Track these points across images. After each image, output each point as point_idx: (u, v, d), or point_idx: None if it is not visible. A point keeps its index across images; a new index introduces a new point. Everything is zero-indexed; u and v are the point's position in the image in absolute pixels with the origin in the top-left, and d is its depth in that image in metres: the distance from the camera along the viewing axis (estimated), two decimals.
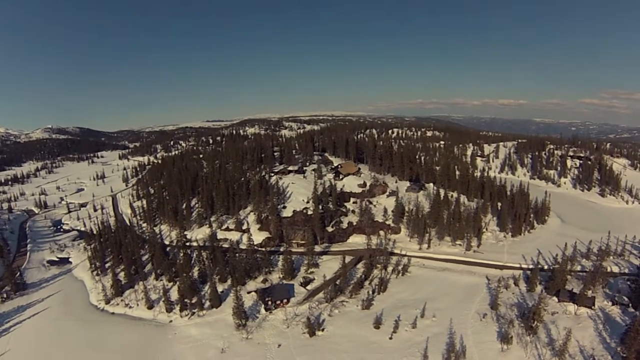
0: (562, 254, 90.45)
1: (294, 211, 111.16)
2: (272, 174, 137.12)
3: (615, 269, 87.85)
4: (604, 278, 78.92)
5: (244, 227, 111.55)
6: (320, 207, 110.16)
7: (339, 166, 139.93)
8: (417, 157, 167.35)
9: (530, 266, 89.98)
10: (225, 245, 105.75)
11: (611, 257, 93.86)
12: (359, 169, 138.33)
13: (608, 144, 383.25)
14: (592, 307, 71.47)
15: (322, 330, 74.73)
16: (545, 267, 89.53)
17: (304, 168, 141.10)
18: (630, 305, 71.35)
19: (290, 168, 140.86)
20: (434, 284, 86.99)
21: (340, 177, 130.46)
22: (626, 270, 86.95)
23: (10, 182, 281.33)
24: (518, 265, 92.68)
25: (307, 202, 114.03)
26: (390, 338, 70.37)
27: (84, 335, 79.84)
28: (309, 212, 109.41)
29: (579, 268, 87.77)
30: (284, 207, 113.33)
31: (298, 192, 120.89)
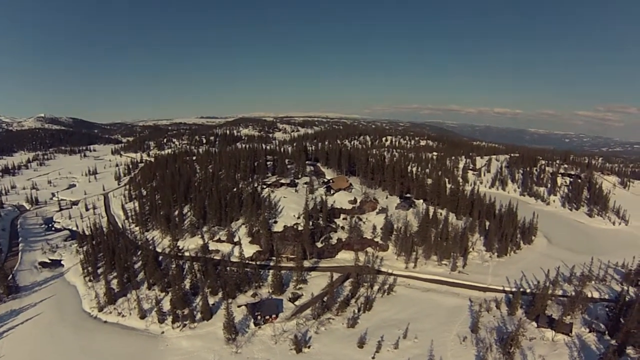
0: (544, 279, 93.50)
1: (284, 226, 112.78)
2: (265, 186, 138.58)
3: (596, 295, 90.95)
4: (583, 304, 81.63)
5: (236, 240, 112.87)
6: (311, 223, 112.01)
7: (331, 181, 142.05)
8: (408, 171, 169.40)
9: (513, 289, 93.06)
10: (217, 257, 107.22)
11: (593, 282, 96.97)
12: (350, 184, 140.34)
13: (600, 158, 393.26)
14: (569, 334, 73.96)
15: (309, 347, 76.62)
16: (528, 290, 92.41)
17: (296, 181, 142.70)
18: (607, 332, 74.08)
19: (283, 181, 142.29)
20: (418, 305, 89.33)
21: (332, 193, 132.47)
22: (606, 296, 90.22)
23: (1, 174, 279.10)
24: (501, 288, 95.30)
25: (298, 217, 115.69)
26: (373, 358, 72.52)
27: (77, 343, 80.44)
28: (300, 228, 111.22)
29: (560, 292, 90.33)
30: (275, 222, 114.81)
31: (289, 207, 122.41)
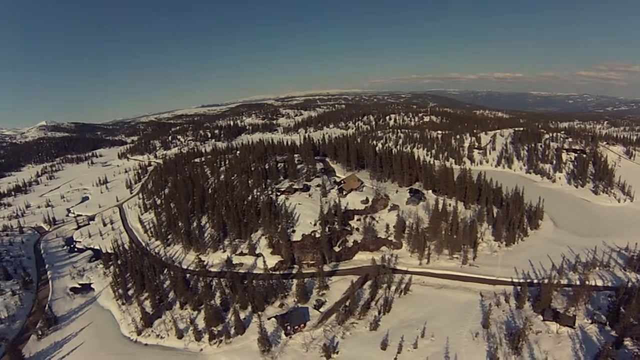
0: (550, 267, 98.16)
1: (303, 235, 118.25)
2: (279, 193, 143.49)
3: (600, 282, 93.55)
4: (587, 294, 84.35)
5: (257, 252, 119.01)
6: (327, 228, 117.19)
7: (342, 182, 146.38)
8: (416, 158, 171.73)
9: (521, 280, 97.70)
10: (242, 271, 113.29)
11: (597, 269, 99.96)
12: (362, 182, 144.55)
13: (605, 122, 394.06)
14: (573, 326, 77.67)
15: (337, 353, 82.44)
16: (535, 280, 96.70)
17: (308, 184, 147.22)
18: (607, 323, 77.35)
19: (296, 186, 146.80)
20: (433, 303, 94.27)
21: (344, 194, 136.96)
22: (609, 284, 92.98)
23: (13, 192, 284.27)
24: (510, 280, 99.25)
25: (315, 224, 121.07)
26: (395, 359, 78.22)
27: None
28: (317, 235, 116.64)
29: (566, 281, 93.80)
30: (293, 231, 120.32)
31: (305, 213, 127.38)
